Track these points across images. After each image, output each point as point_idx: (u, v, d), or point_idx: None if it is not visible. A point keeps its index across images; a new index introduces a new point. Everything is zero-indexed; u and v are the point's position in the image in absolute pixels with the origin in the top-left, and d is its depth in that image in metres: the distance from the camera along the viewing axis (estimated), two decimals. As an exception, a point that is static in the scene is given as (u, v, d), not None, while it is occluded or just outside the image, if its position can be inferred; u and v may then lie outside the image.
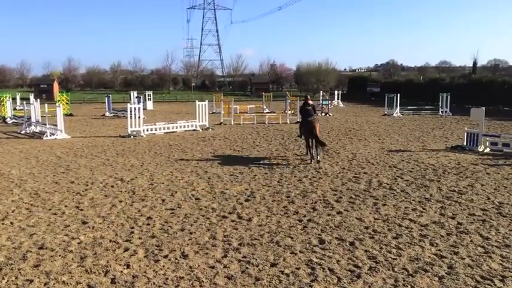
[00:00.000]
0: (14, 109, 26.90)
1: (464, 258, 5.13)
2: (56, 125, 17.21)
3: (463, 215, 6.83)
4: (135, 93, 33.99)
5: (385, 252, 5.34)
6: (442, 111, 27.23)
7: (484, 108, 13.73)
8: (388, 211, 7.03)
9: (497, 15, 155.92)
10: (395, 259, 5.12)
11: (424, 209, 7.15)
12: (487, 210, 7.03)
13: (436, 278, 4.62)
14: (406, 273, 4.75)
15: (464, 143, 13.54)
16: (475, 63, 51.67)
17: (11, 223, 6.50)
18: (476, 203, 7.45)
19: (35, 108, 19.31)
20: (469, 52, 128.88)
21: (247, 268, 4.90)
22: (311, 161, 11.37)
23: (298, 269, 4.88)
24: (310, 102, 12.01)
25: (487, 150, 12.93)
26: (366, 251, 5.39)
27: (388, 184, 8.85)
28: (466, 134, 13.62)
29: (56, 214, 6.94)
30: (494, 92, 32.10)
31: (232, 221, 6.59)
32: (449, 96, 27.25)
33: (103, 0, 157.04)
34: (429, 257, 5.19)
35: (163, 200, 7.76)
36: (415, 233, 6.02)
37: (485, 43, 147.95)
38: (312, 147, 11.49)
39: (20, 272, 4.81)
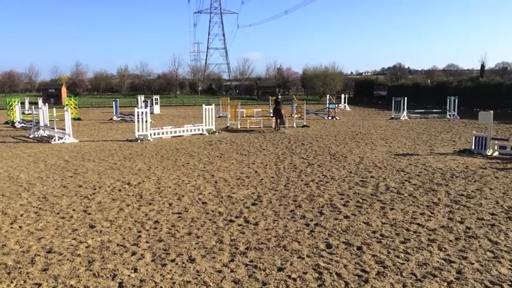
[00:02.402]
0: (23, 113, 27.16)
1: (473, 263, 5.08)
2: (64, 129, 17.36)
3: (472, 219, 6.77)
4: (142, 98, 34.25)
5: (393, 256, 5.31)
6: (449, 115, 27.06)
7: (492, 111, 13.63)
8: (395, 215, 6.99)
9: (505, 17, 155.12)
10: (404, 264, 5.09)
11: (432, 213, 7.10)
12: (496, 215, 6.97)
13: (445, 283, 4.58)
14: (415, 278, 4.72)
15: (473, 147, 13.43)
16: (482, 66, 51.24)
17: (20, 227, 6.55)
18: (485, 207, 7.38)
19: (43, 112, 19.51)
20: (477, 55, 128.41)
21: (254, 272, 4.89)
22: (275, 129, 20.60)
23: (305, 273, 4.86)
24: (280, 97, 23.83)
25: (496, 153, 12.82)
26: (373, 255, 5.36)
27: (395, 188, 8.80)
28: (474, 137, 13.52)
29: (64, 218, 6.99)
30: (503, 95, 31.85)
31: (239, 225, 6.59)
32: (457, 100, 27.09)
33: (110, 5, 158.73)
34: (438, 261, 5.15)
35: (170, 204, 7.78)
36: (423, 237, 5.97)
37: (493, 46, 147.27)
38: (278, 124, 20.62)
39: (28, 276, 4.84)
